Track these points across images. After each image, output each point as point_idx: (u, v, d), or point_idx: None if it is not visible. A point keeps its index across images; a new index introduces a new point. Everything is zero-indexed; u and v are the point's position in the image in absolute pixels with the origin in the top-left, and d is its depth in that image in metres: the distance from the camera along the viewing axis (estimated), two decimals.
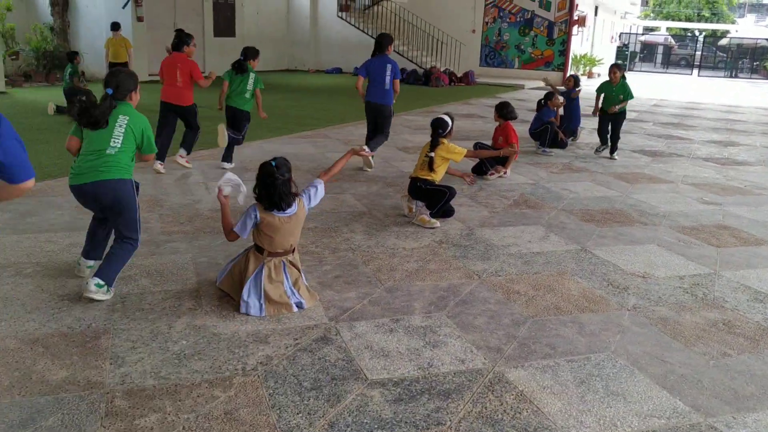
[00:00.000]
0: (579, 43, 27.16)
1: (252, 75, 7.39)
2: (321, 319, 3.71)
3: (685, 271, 4.81)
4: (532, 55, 23.87)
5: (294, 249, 3.83)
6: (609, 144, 9.37)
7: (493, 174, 7.52)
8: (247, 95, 7.39)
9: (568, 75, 11.08)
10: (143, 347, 3.30)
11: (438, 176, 5.73)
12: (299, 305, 3.77)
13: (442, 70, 21.66)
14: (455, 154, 5.68)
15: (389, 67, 7.49)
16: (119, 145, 3.79)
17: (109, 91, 3.80)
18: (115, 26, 12.63)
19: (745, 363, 3.46)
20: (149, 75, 17.51)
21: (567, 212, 6.28)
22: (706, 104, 19.28)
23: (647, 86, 25.89)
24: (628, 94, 8.98)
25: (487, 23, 24.42)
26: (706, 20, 52.29)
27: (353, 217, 5.77)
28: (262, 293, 3.68)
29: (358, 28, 23.48)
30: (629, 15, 39.05)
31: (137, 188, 3.98)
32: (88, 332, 3.43)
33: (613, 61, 12.00)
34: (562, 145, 9.52)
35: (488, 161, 7.53)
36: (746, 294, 4.43)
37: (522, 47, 23.99)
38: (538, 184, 7.41)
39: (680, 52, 42.24)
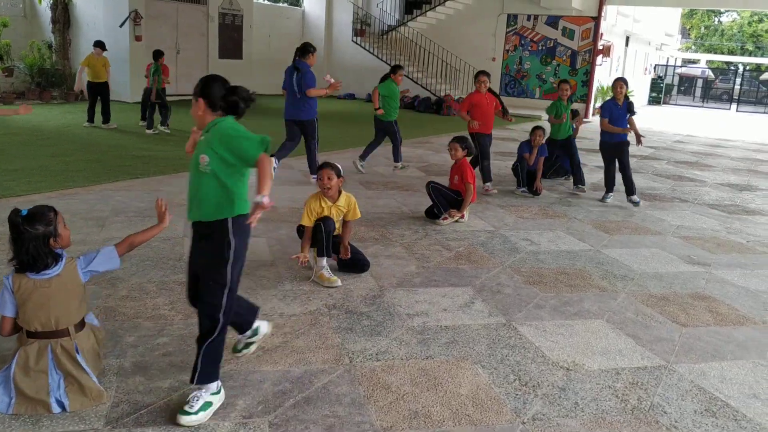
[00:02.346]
0: (607, 74, 26.01)
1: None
2: (93, 423, 2.79)
3: (627, 362, 3.75)
4: (554, 85, 22.78)
5: (67, 330, 2.90)
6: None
7: (446, 218, 6.53)
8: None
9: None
10: None
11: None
12: (61, 406, 2.85)
13: (456, 98, 20.76)
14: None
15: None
16: None
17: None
18: (100, 44, 12.08)
19: None
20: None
21: (513, 270, 5.26)
22: (735, 141, 17.92)
23: (678, 121, 24.55)
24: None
25: (507, 51, 23.50)
26: (750, 54, 50.53)
27: (248, 270, 4.84)
28: (12, 385, 2.78)
29: (373, 54, 22.78)
30: (666, 47, 37.66)
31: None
32: None
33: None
34: (535, 193, 8.24)
35: (441, 204, 6.56)
36: (697, 401, 3.36)
37: (543, 77, 22.99)
38: (497, 233, 6.39)
39: (721, 85, 40.59)
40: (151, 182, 7.53)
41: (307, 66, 7.84)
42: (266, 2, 23.19)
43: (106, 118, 11.95)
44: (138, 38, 16.55)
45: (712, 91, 40.21)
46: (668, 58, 40.81)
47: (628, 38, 28.32)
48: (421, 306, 4.36)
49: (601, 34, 22.13)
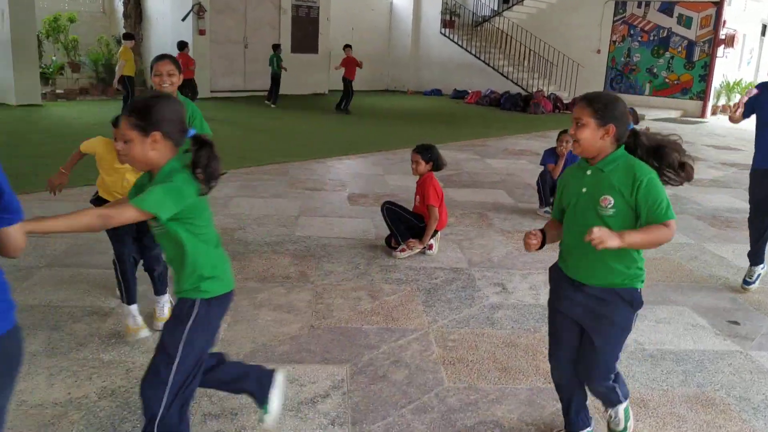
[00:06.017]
0: (735, 67, 22.75)
1: None
2: None
3: None
4: (667, 81, 20.09)
5: None
6: None
7: (403, 250, 5.06)
8: None
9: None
10: None
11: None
12: None
13: (547, 94, 18.77)
14: None
15: None
16: None
17: None
18: (129, 36, 11.63)
19: None
20: (211, 92, 16.56)
21: (438, 336, 3.74)
22: None
23: None
24: None
25: (614, 42, 21.01)
26: None
27: (60, 322, 3.69)
28: None
29: (462, 47, 21.18)
30: None
31: None
32: None
33: None
34: None
35: (400, 231, 5.10)
36: None
37: (655, 71, 20.29)
38: (465, 272, 4.84)
39: None
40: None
41: None
42: None
43: None
44: (201, 32, 16.07)
45: None
46: None
47: (765, 27, 24.72)
48: (244, 399, 3.00)
49: (724, 21, 19.18)
